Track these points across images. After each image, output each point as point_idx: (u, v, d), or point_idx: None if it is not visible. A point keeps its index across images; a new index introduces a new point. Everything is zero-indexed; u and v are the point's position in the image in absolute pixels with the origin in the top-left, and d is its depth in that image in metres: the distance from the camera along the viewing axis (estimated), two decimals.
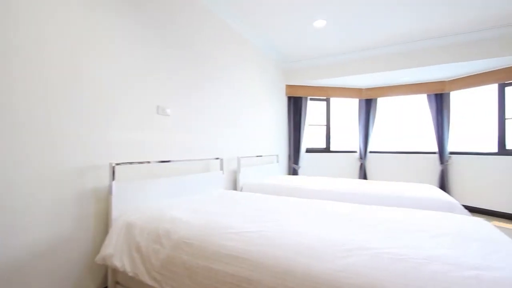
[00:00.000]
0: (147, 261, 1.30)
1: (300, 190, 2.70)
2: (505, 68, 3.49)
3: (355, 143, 4.81)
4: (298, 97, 4.68)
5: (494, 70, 3.62)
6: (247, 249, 1.13)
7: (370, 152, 4.71)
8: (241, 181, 3.00)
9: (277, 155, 4.19)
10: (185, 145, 2.30)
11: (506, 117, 3.65)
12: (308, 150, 4.83)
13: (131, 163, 1.72)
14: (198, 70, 2.48)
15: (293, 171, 4.68)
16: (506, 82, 3.57)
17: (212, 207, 1.75)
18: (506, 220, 3.49)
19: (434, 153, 4.25)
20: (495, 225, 3.18)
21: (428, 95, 4.28)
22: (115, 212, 1.57)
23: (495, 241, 1.19)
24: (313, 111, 4.91)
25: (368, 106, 4.70)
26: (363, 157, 4.65)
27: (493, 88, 3.76)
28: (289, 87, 4.62)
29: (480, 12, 2.79)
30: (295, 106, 4.69)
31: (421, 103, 4.46)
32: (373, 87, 4.66)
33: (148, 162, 1.87)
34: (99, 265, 1.56)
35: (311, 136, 4.90)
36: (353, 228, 1.33)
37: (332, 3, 2.67)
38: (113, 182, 1.57)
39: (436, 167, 4.23)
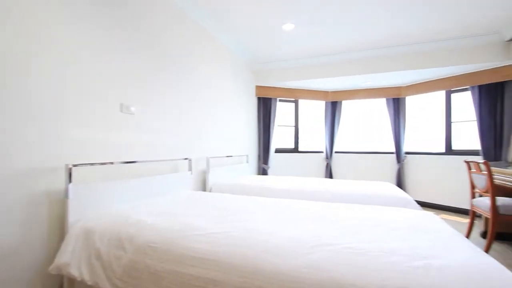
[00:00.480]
0: (108, 268, 1.23)
1: (270, 189, 2.74)
2: (451, 76, 3.89)
3: (322, 144, 5.02)
4: (268, 98, 4.74)
5: (442, 78, 4.01)
6: (214, 250, 1.12)
7: (336, 152, 4.94)
8: (211, 181, 2.96)
9: (247, 155, 4.21)
10: (152, 145, 2.22)
11: (452, 121, 4.06)
12: (277, 150, 4.92)
13: (92, 164, 1.61)
14: (167, 69, 2.40)
15: (263, 171, 4.74)
16: (452, 89, 3.99)
17: (179, 208, 1.70)
18: (452, 213, 3.88)
19: (392, 153, 4.59)
20: (443, 218, 3.53)
21: (387, 99, 4.61)
22: (72, 217, 1.45)
23: (442, 233, 1.32)
24: (282, 112, 5.02)
25: (333, 108, 4.93)
26: (329, 157, 4.86)
27: (441, 94, 4.17)
28: (259, 88, 4.67)
29: (431, 25, 3.07)
30: (265, 107, 4.76)
31: (381, 107, 4.79)
32: (338, 90, 4.90)
33: (111, 163, 1.76)
34: (54, 275, 1.43)
35: (280, 137, 5.00)
36: (318, 226, 1.39)
37: (300, 7, 2.75)
38: (70, 185, 1.45)
39: (394, 166, 4.58)
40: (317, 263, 1.00)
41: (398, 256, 1.04)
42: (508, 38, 3.13)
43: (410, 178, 4.48)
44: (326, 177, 4.88)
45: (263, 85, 4.64)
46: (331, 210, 1.74)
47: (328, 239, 1.18)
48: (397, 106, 4.55)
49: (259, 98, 4.76)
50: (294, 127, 5.06)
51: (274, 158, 4.87)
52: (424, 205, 4.23)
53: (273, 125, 4.69)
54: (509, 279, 0.88)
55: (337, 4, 2.67)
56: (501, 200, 2.33)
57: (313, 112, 5.16)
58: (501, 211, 2.28)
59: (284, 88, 4.77)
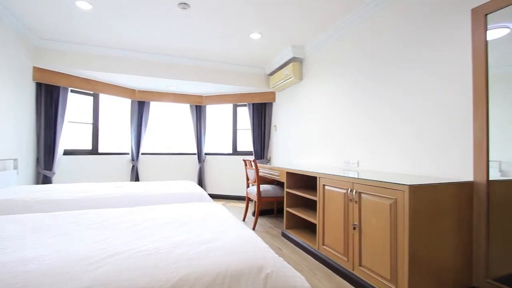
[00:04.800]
0: None
1: (50, 202, 2.17)
2: (237, 94, 4.98)
3: (127, 145, 4.67)
4: (55, 86, 3.74)
5: (231, 94, 5.03)
6: None
7: (142, 154, 4.78)
8: None
9: (15, 160, 3.08)
10: None
11: (237, 128, 5.20)
12: (68, 152, 4.01)
13: None
14: None
15: (44, 179, 3.66)
16: (237, 103, 5.10)
17: None
18: (237, 201, 4.96)
19: (195, 154, 5.14)
20: (230, 206, 4.44)
21: (190, 105, 5.11)
22: None
23: (224, 219, 1.64)
24: (76, 105, 4.15)
25: (141, 108, 4.75)
26: (135, 158, 4.61)
27: (231, 107, 5.22)
28: (39, 70, 3.56)
29: (225, 51, 3.77)
30: (49, 97, 3.71)
31: (186, 112, 5.22)
32: (146, 90, 4.78)
33: None
34: None
35: (73, 136, 4.11)
36: (110, 235, 1.29)
37: None
38: None
39: (196, 166, 5.14)
40: (104, 277, 0.93)
41: (186, 246, 1.18)
42: (268, 73, 4.49)
43: (208, 175, 5.22)
44: (132, 180, 4.59)
45: (48, 68, 3.59)
46: (128, 215, 1.68)
47: (119, 248, 1.12)
48: (199, 112, 5.15)
49: (39, 84, 3.63)
50: (92, 125, 4.34)
51: (62, 161, 3.92)
52: (218, 197, 5.10)
53: (62, 120, 3.76)
54: (259, 244, 1.24)
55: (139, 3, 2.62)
56: (262, 187, 3.29)
57: (118, 109, 4.70)
58: (262, 195, 3.21)
59: (80, 78, 3.97)
